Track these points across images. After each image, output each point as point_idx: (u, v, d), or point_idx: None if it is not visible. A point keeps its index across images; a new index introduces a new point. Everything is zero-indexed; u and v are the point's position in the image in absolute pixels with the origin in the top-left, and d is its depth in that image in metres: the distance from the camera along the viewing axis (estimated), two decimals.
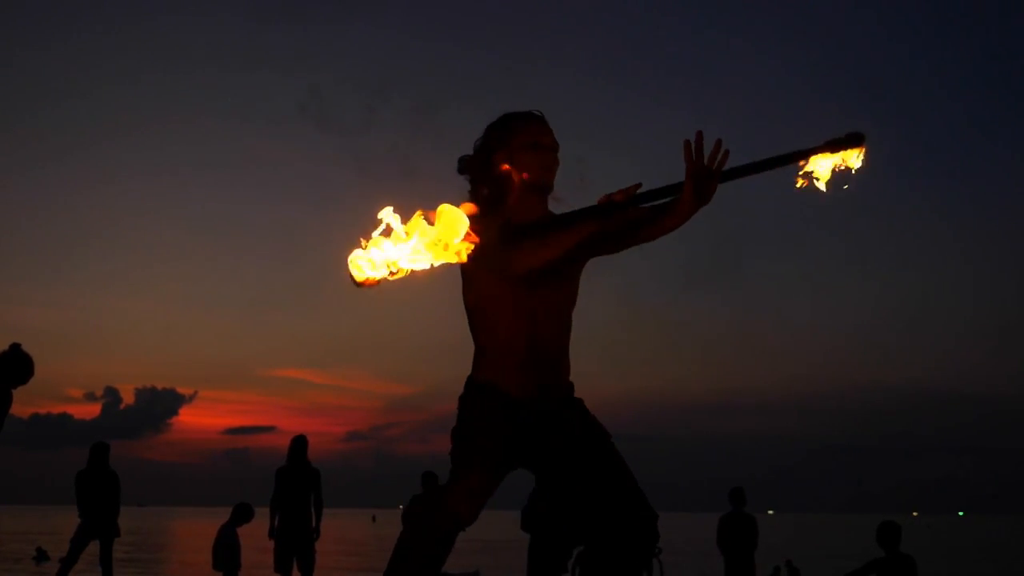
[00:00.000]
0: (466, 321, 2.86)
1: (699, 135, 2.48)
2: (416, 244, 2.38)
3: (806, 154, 2.53)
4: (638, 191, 2.62)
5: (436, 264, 2.43)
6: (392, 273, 2.39)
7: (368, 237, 2.38)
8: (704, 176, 2.48)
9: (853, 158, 2.53)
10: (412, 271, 2.41)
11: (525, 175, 2.78)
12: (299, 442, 9.16)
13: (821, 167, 2.54)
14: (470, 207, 2.46)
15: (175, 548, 27.81)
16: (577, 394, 2.85)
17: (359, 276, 2.39)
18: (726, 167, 2.50)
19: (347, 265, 2.40)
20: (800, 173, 2.55)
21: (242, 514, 9.72)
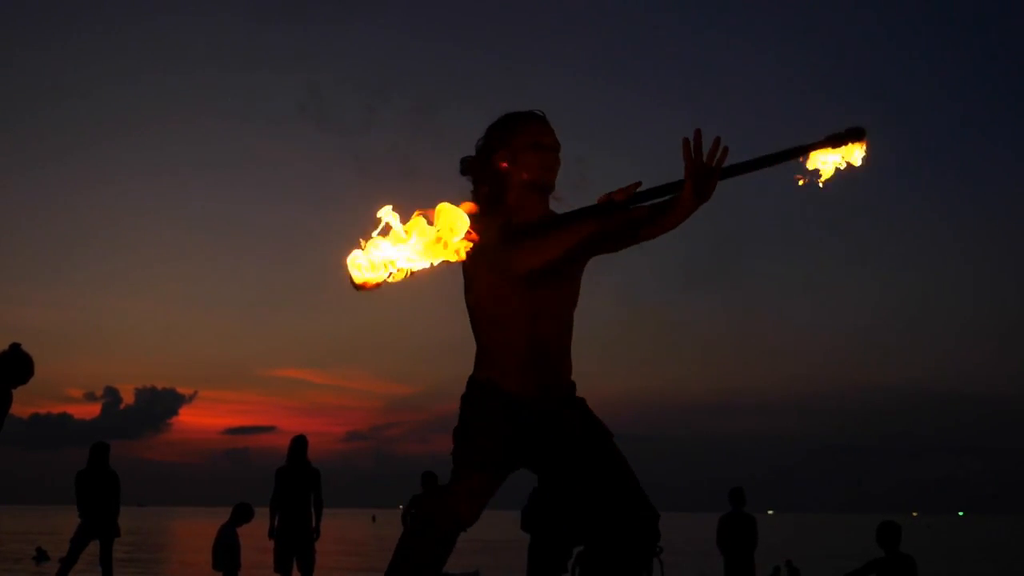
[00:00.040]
0: (467, 321, 2.86)
1: (698, 133, 2.47)
2: (415, 244, 2.38)
3: (807, 150, 2.53)
4: (638, 190, 2.63)
5: (436, 263, 2.43)
6: (391, 274, 2.39)
7: (368, 237, 2.38)
8: (703, 174, 2.48)
9: (854, 153, 2.53)
10: (411, 273, 2.41)
11: (525, 175, 2.78)
12: (299, 442, 9.16)
13: (823, 163, 2.54)
14: (470, 206, 2.46)
15: (175, 548, 27.81)
16: (578, 394, 2.85)
17: (358, 279, 2.39)
18: (725, 164, 2.50)
19: (346, 267, 2.40)
20: (802, 170, 2.55)
21: (242, 514, 9.72)
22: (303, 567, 8.93)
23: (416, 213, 2.39)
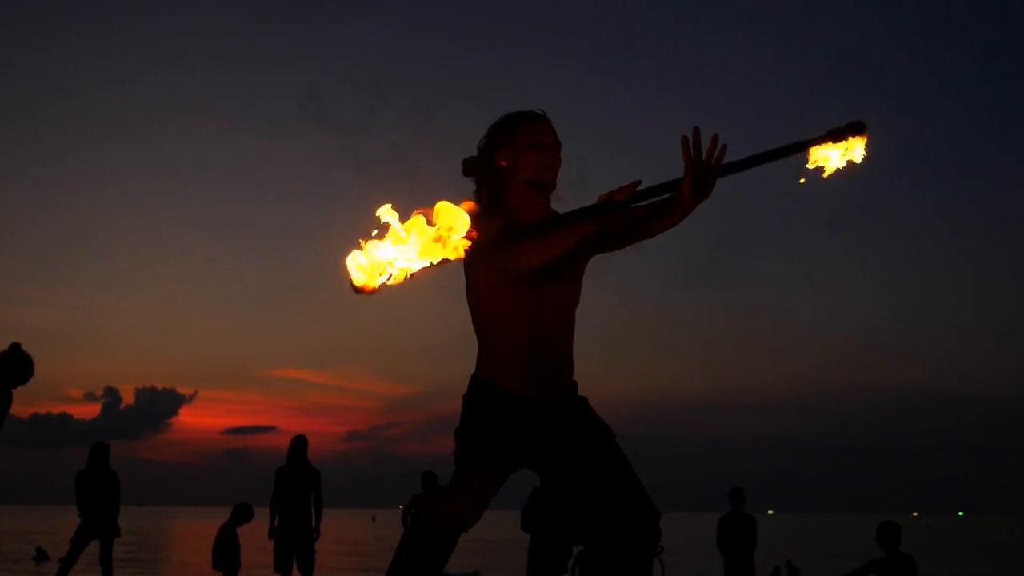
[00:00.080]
0: (466, 321, 2.86)
1: (696, 131, 2.47)
2: (415, 243, 2.38)
3: (807, 145, 2.52)
4: (638, 189, 2.62)
5: (436, 262, 2.42)
6: (391, 276, 2.38)
7: (368, 237, 2.38)
8: (702, 172, 2.48)
9: (856, 148, 2.52)
10: (411, 275, 2.40)
11: (526, 174, 2.78)
12: (299, 442, 9.15)
13: (824, 159, 2.53)
14: (470, 205, 2.46)
15: (175, 548, 27.81)
16: (579, 393, 2.85)
17: (358, 282, 2.38)
18: (725, 161, 2.50)
19: (346, 269, 2.40)
20: (804, 166, 2.55)
21: (242, 514, 9.72)
22: (303, 567, 8.92)
23: (416, 212, 2.39)
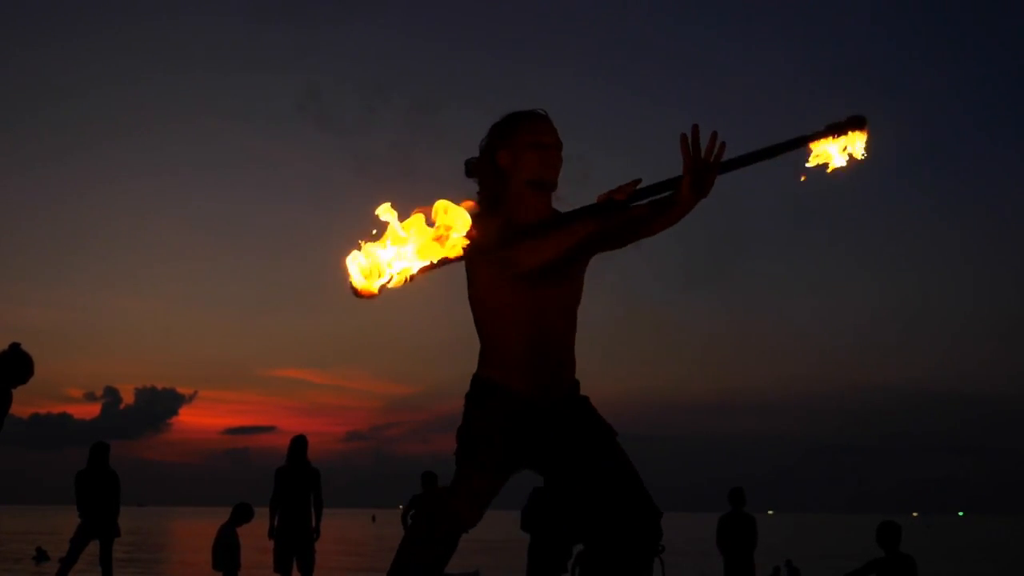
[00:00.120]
0: (466, 321, 2.86)
1: (695, 128, 2.47)
2: (415, 243, 2.37)
3: (807, 140, 2.52)
4: (637, 187, 2.62)
5: (436, 261, 2.42)
6: (391, 278, 2.37)
7: (368, 238, 2.37)
8: (702, 169, 2.48)
9: (856, 143, 2.51)
10: (411, 277, 2.39)
11: (527, 173, 2.78)
12: (299, 442, 9.15)
13: (824, 154, 2.52)
14: (470, 204, 2.46)
15: (175, 548, 27.81)
16: (580, 393, 2.85)
17: (358, 285, 2.38)
18: (724, 159, 2.49)
19: (346, 272, 2.39)
20: (804, 163, 2.54)
21: (242, 514, 9.71)
22: (303, 567, 8.92)
23: (415, 211, 2.39)
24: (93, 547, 9.46)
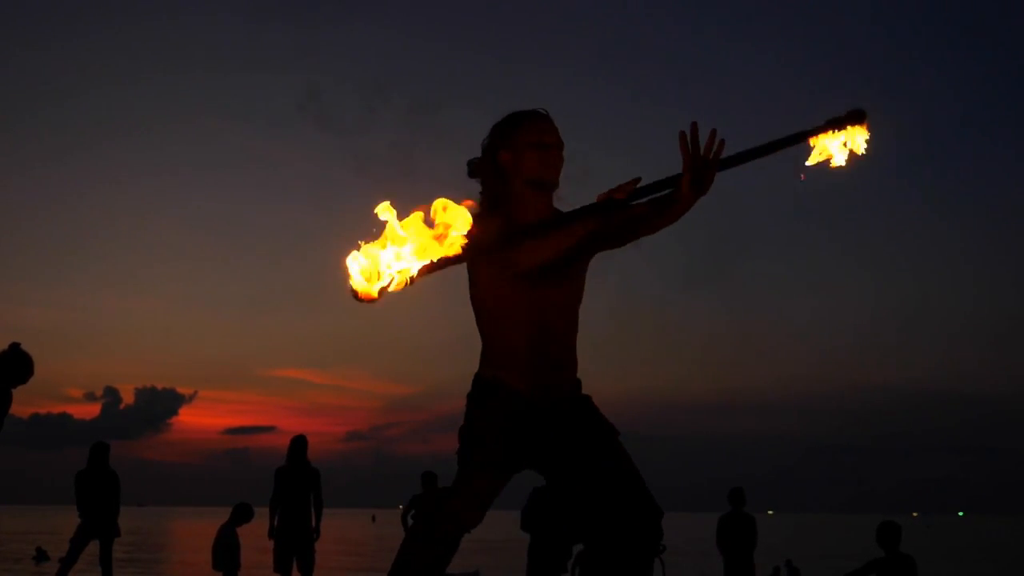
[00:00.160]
0: (466, 321, 2.86)
1: (694, 126, 2.47)
2: (414, 243, 2.37)
3: (807, 135, 2.51)
4: (637, 186, 2.62)
5: (435, 260, 2.41)
6: (392, 280, 2.37)
7: (368, 238, 2.37)
8: (701, 166, 2.48)
9: (857, 137, 2.51)
10: (412, 280, 2.39)
11: (528, 172, 2.78)
12: (299, 442, 9.15)
13: (825, 149, 2.52)
14: (470, 203, 2.46)
15: (175, 548, 27.81)
16: (582, 392, 2.84)
17: (359, 288, 2.37)
18: (724, 155, 2.49)
19: (346, 274, 2.38)
20: (805, 161, 2.54)
21: (242, 514, 9.71)
22: (303, 567, 8.92)
23: (414, 210, 2.38)
24: (93, 547, 9.46)
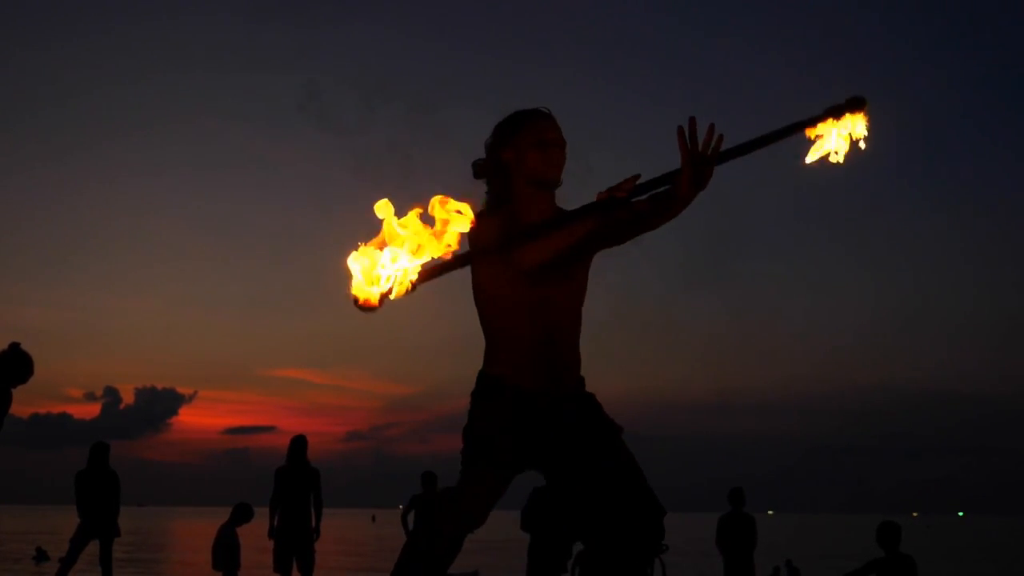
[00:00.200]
0: (467, 321, 2.88)
1: (692, 121, 2.47)
2: (413, 243, 2.36)
3: (806, 124, 2.51)
4: (637, 183, 2.62)
5: (435, 258, 2.40)
6: (394, 285, 2.35)
7: (367, 239, 2.35)
8: (699, 162, 2.48)
9: (857, 124, 2.50)
10: (413, 284, 2.38)
11: (531, 171, 2.78)
12: (299, 442, 9.15)
13: (825, 139, 2.51)
14: (471, 202, 2.45)
15: (175, 548, 27.81)
16: (585, 390, 2.84)
17: (360, 295, 2.35)
18: (723, 148, 2.48)
19: (348, 281, 2.36)
20: (809, 154, 2.53)
21: (242, 514, 9.72)
22: (303, 567, 8.92)
23: (413, 208, 2.37)
24: (93, 547, 9.46)
